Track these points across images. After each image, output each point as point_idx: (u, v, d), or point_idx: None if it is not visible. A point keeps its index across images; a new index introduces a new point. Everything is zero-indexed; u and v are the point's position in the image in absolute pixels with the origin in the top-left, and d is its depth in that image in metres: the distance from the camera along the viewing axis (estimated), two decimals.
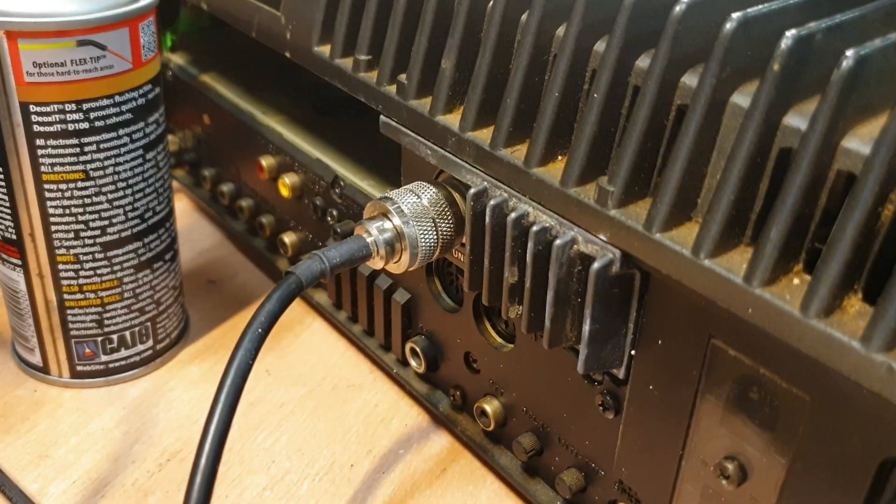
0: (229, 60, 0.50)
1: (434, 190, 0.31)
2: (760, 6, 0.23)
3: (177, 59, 0.52)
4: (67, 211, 0.36)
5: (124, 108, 0.35)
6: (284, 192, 0.43)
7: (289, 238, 0.45)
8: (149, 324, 0.40)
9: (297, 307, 0.46)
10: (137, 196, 0.37)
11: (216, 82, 0.49)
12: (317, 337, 0.44)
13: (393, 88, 0.32)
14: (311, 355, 0.43)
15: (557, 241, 0.26)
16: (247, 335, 0.26)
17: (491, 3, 0.28)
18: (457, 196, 0.31)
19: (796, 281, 0.22)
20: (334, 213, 0.41)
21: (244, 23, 0.40)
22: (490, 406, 0.35)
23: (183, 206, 0.55)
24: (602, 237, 0.25)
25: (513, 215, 0.28)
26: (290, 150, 0.43)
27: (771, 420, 0.24)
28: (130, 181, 0.37)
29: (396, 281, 0.39)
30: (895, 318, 0.19)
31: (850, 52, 0.20)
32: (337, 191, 0.40)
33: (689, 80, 0.24)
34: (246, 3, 0.39)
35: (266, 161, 0.44)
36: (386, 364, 0.40)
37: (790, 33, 0.21)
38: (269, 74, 0.49)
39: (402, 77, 0.32)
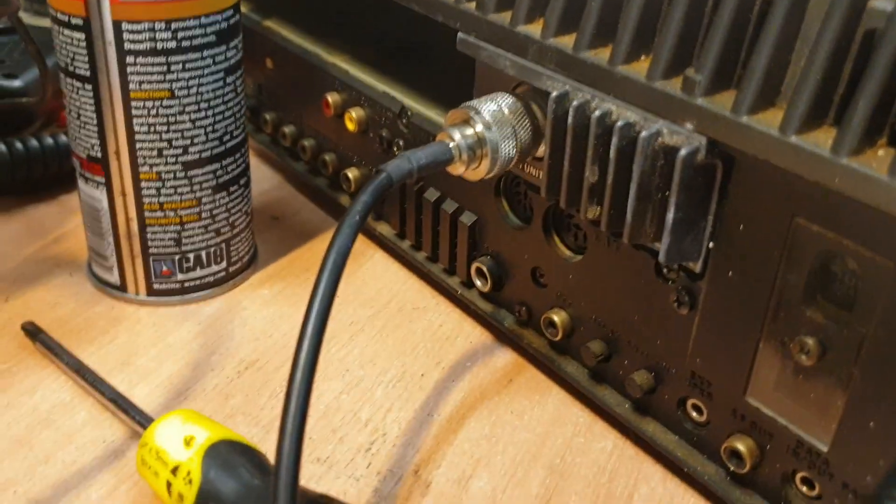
0: (291, 7, 0.52)
1: (513, 99, 0.33)
2: None
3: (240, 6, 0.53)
4: (152, 129, 0.38)
5: (209, 29, 0.37)
6: (351, 126, 0.45)
7: (352, 173, 0.46)
8: (223, 245, 0.42)
9: (359, 240, 0.47)
10: (217, 118, 0.39)
11: (280, 27, 0.50)
12: (379, 266, 0.46)
13: (472, 4, 0.34)
14: (375, 282, 0.44)
15: (643, 134, 0.28)
16: (345, 221, 0.28)
17: None
18: (535, 107, 0.33)
19: (881, 153, 0.23)
20: (401, 143, 0.42)
21: None
22: (558, 317, 0.36)
23: None
24: (688, 126, 0.27)
25: (597, 113, 0.29)
26: (356, 85, 0.44)
27: (852, 293, 0.25)
28: (212, 102, 0.38)
29: (462, 204, 0.40)
30: None
31: None
32: (404, 121, 0.42)
33: None
34: None
35: (332, 98, 0.46)
36: (450, 287, 0.42)
37: None
38: (331, 20, 0.51)
39: None
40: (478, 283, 0.40)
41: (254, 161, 0.55)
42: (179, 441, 0.30)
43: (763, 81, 0.25)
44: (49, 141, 0.49)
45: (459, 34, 0.34)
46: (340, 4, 0.51)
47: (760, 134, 0.25)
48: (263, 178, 0.54)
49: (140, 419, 0.33)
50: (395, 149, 0.43)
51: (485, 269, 0.39)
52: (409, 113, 0.42)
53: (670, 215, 0.28)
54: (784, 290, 0.27)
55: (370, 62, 0.46)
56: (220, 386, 0.37)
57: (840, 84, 0.24)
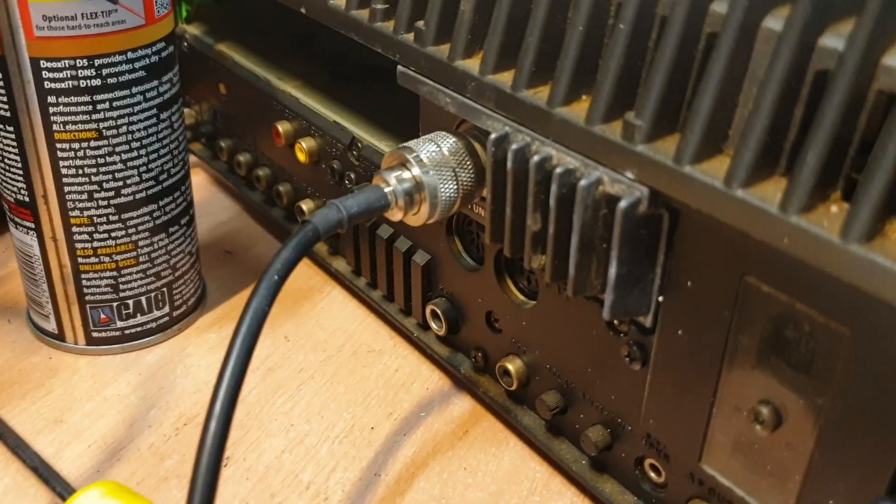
0: (245, 31, 0.50)
1: (454, 139, 0.30)
2: None
3: (192, 29, 0.51)
4: (81, 171, 0.35)
5: (137, 65, 0.35)
6: (301, 157, 0.42)
7: (306, 205, 0.44)
8: (165, 289, 0.40)
9: (315, 276, 0.45)
10: (152, 157, 0.37)
11: (232, 51, 0.48)
12: (336, 305, 0.43)
13: (410, 36, 0.31)
14: (330, 322, 0.42)
15: (582, 182, 0.25)
16: (263, 281, 0.26)
17: None
18: (477, 146, 0.31)
19: (834, 209, 0.21)
20: (352, 176, 0.40)
21: None
22: (513, 365, 0.34)
23: (200, 180, 0.54)
24: (629, 175, 0.24)
25: (535, 158, 0.27)
26: (306, 115, 0.42)
27: (808, 359, 0.23)
28: (144, 141, 0.36)
29: (416, 242, 0.38)
30: None
31: None
32: (354, 153, 0.40)
33: (719, 6, 0.23)
34: None
35: (282, 127, 0.44)
36: (406, 328, 0.39)
37: None
38: (284, 45, 0.49)
39: (420, 23, 0.31)
40: (433, 325, 0.38)
41: (212, 189, 0.53)
42: None
43: (707, 127, 0.23)
44: None
45: (399, 67, 0.32)
46: (295, 25, 0.49)
47: (704, 186, 0.22)
48: (221, 208, 0.51)
49: (60, 490, 0.31)
50: (346, 182, 0.41)
51: (439, 311, 0.37)
52: (359, 145, 0.39)
53: (612, 270, 0.25)
54: (737, 352, 0.25)
55: (322, 89, 0.44)
56: (155, 445, 0.35)
57: (790, 130, 0.22)
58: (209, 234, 0.49)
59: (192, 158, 0.54)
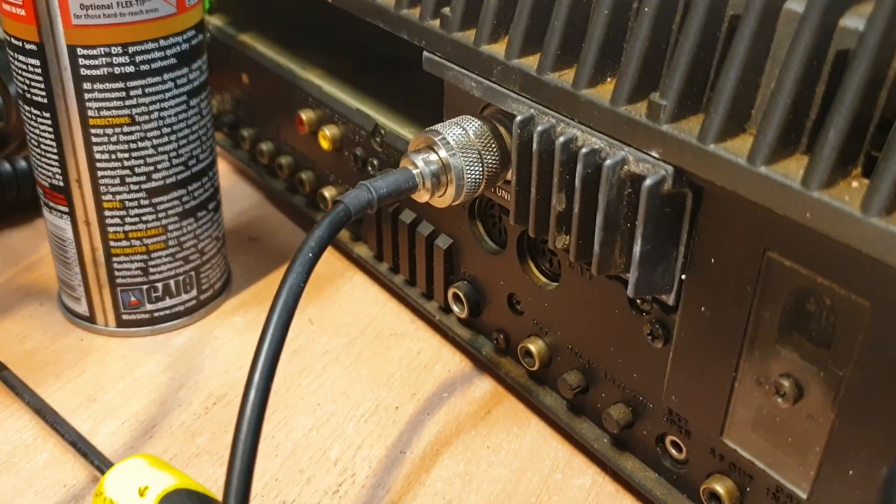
0: (268, 21, 0.51)
1: (479, 122, 0.31)
2: None
3: (215, 20, 0.52)
4: (113, 156, 0.36)
5: (169, 52, 0.36)
6: (325, 144, 0.43)
7: (329, 192, 0.45)
8: (193, 273, 0.40)
9: (337, 261, 0.46)
10: (181, 143, 0.38)
11: (255, 41, 0.49)
12: (358, 290, 0.44)
13: (436, 23, 0.32)
14: (352, 307, 0.43)
15: (608, 162, 0.26)
16: (297, 259, 0.26)
17: None
18: (502, 130, 0.31)
19: (855, 184, 0.22)
20: (375, 162, 0.41)
21: None
22: (535, 346, 0.34)
23: (222, 169, 0.55)
24: (654, 154, 0.25)
25: (561, 139, 0.27)
26: (329, 102, 0.43)
27: (828, 332, 0.24)
28: (175, 127, 0.37)
29: (438, 227, 0.38)
30: None
31: None
32: (377, 139, 0.40)
33: None
34: None
35: (306, 115, 0.44)
36: (428, 312, 0.40)
37: None
38: (307, 34, 0.49)
39: (446, 10, 0.31)
40: (455, 308, 0.38)
41: (233, 178, 0.54)
42: (134, 491, 0.28)
43: (731, 106, 0.23)
44: (22, 164, 0.48)
45: (425, 53, 0.33)
46: (316, 17, 0.50)
47: (728, 164, 0.23)
48: (243, 196, 0.52)
49: (99, 463, 0.32)
50: (369, 168, 0.42)
51: (461, 294, 0.38)
52: (382, 132, 0.40)
53: (637, 248, 0.26)
54: (759, 327, 0.25)
55: (345, 77, 0.45)
56: (186, 423, 0.36)
57: (812, 109, 0.23)
58: (233, 221, 0.50)
59: None
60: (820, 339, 0.24)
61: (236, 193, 0.53)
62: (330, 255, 0.46)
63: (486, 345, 0.38)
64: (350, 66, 0.47)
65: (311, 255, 0.27)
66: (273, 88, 0.47)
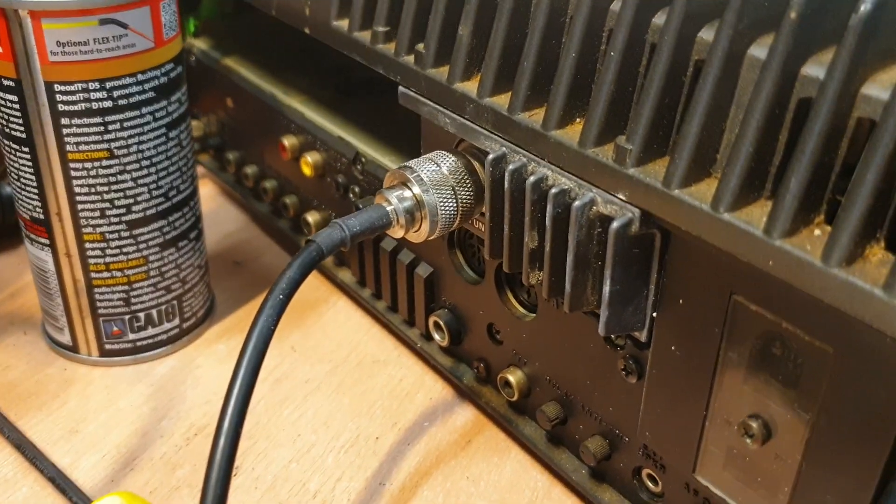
0: (252, 45, 0.51)
1: (453, 158, 0.31)
2: None
3: (200, 44, 0.52)
4: (93, 189, 0.36)
5: (147, 86, 0.36)
6: (307, 170, 0.43)
7: (312, 217, 0.45)
8: (175, 302, 0.41)
9: (321, 286, 0.46)
10: (161, 174, 0.38)
11: (239, 65, 0.49)
12: (342, 315, 0.44)
13: (411, 58, 0.32)
14: (335, 332, 0.43)
15: (576, 203, 0.26)
16: (268, 301, 0.27)
17: None
18: (476, 164, 0.31)
19: (817, 232, 0.22)
20: (356, 189, 0.41)
21: (263, 1, 0.40)
22: (514, 376, 0.35)
23: (208, 191, 0.55)
24: (621, 196, 0.25)
25: (531, 179, 0.28)
26: (311, 129, 0.43)
27: (794, 375, 0.24)
28: (154, 159, 0.37)
29: (419, 255, 0.39)
30: None
31: None
32: (358, 167, 0.41)
33: (707, 34, 0.24)
34: None
35: (288, 141, 0.44)
36: (410, 339, 0.40)
37: None
38: (290, 58, 0.50)
39: (420, 46, 0.32)
40: (436, 336, 0.39)
41: (219, 200, 0.54)
42: None
43: (695, 151, 0.23)
44: (6, 190, 0.48)
45: (400, 88, 0.33)
46: (301, 39, 0.50)
47: (692, 209, 0.23)
48: (228, 218, 0.52)
49: (77, 500, 0.32)
50: (351, 195, 0.42)
51: (442, 323, 0.38)
52: (363, 160, 0.40)
53: (606, 288, 0.26)
54: (727, 368, 0.25)
55: (328, 103, 0.45)
56: (167, 455, 0.36)
57: (775, 156, 0.23)
58: (217, 244, 0.50)
59: (200, 169, 0.55)
60: (787, 382, 0.24)
61: (222, 216, 0.53)
62: (314, 279, 0.47)
63: (468, 373, 0.38)
64: (334, 89, 0.47)
65: (282, 296, 0.27)
66: (256, 113, 0.47)
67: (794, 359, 0.23)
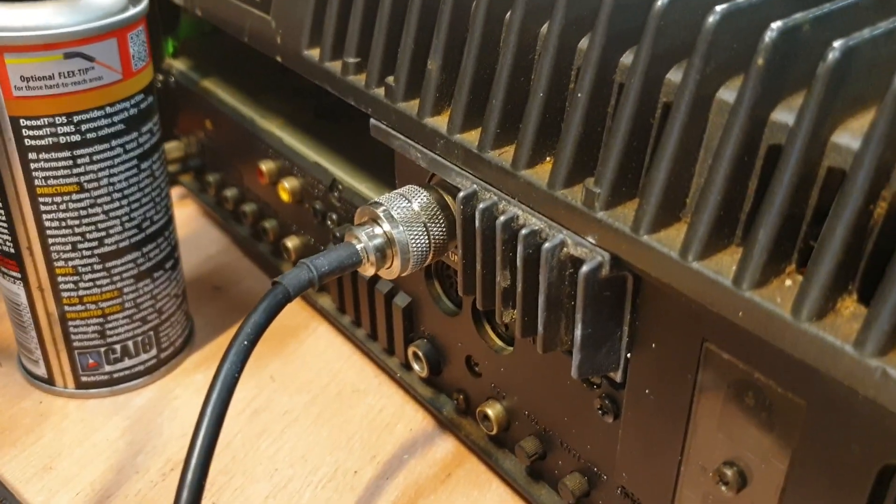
0: (231, 65, 0.50)
1: (426, 194, 0.31)
2: None
3: (179, 64, 0.51)
4: (64, 223, 0.36)
5: (116, 118, 0.35)
6: (284, 196, 0.43)
7: (291, 242, 0.44)
8: (151, 333, 0.40)
9: (302, 312, 0.46)
10: (134, 206, 0.37)
11: (217, 87, 0.48)
12: (322, 342, 0.44)
13: (381, 91, 0.32)
14: (316, 360, 0.42)
15: (546, 245, 0.26)
16: (233, 348, 0.26)
17: (475, 1, 0.28)
18: (449, 199, 0.31)
19: (788, 282, 0.21)
20: (334, 216, 0.41)
21: (236, 28, 0.40)
22: (492, 410, 0.34)
23: (190, 212, 0.54)
24: (590, 240, 0.25)
25: (502, 218, 0.27)
26: (289, 155, 0.42)
27: (768, 426, 0.23)
28: (126, 191, 0.37)
29: (397, 285, 0.38)
30: (888, 320, 0.19)
31: (836, 44, 0.19)
32: (336, 194, 0.40)
33: (675, 76, 0.23)
34: (237, 7, 0.39)
35: (266, 166, 0.44)
36: (390, 368, 0.40)
37: (775, 25, 0.20)
38: (270, 79, 0.49)
39: (390, 79, 0.31)
40: (415, 367, 0.38)
41: (201, 221, 0.54)
42: None
43: (663, 196, 0.23)
44: None
45: (372, 120, 0.33)
46: (280, 64, 0.49)
47: (660, 256, 0.23)
48: (209, 241, 0.52)
49: None
50: (328, 222, 0.41)
51: (420, 353, 0.37)
52: (340, 187, 0.40)
53: (578, 331, 0.26)
54: (701, 414, 0.25)
55: (306, 127, 0.44)
56: (143, 491, 0.35)
57: (745, 202, 0.22)
58: (198, 268, 0.49)
59: (182, 190, 0.55)
60: (761, 431, 0.23)
61: (203, 238, 0.52)
62: (295, 304, 0.46)
63: (448, 404, 0.37)
64: (313, 112, 0.46)
65: (246, 342, 0.26)
66: (235, 136, 0.47)
67: (768, 409, 0.23)
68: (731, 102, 0.22)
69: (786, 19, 0.21)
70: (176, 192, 0.55)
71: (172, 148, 0.53)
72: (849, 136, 0.20)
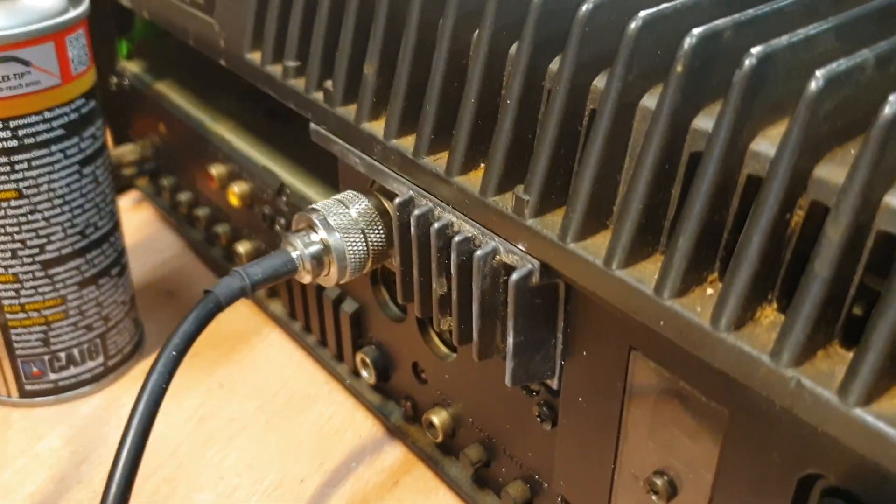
0: (185, 68, 0.50)
1: (364, 199, 0.30)
2: (673, 2, 0.22)
3: (133, 67, 0.51)
4: (3, 230, 0.35)
5: (55, 123, 0.35)
6: (234, 200, 0.42)
7: (243, 247, 0.44)
8: (98, 340, 0.39)
9: (255, 316, 0.45)
10: (76, 212, 0.37)
11: (170, 90, 0.48)
12: (273, 348, 0.43)
13: (320, 95, 0.31)
14: (267, 366, 0.42)
15: (478, 252, 0.25)
16: (160, 359, 0.26)
17: (409, 7, 0.27)
18: (388, 205, 0.30)
19: (710, 291, 0.21)
20: (282, 221, 0.40)
21: (181, 30, 0.39)
22: (438, 417, 0.34)
23: (145, 216, 0.54)
24: (521, 247, 0.24)
25: (436, 225, 0.27)
26: (238, 158, 0.42)
27: (694, 434, 0.23)
28: (67, 197, 0.36)
29: (344, 290, 0.38)
30: (802, 331, 0.19)
31: (753, 50, 0.19)
32: (283, 199, 0.40)
33: (601, 83, 0.23)
34: (182, 10, 0.39)
35: (216, 170, 0.43)
36: (339, 375, 0.39)
37: (695, 31, 0.20)
38: (223, 81, 0.48)
39: (329, 84, 0.31)
40: (363, 373, 0.38)
41: (157, 226, 0.53)
42: None
43: (589, 204, 0.23)
44: None
45: (311, 125, 0.32)
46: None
47: (586, 263, 0.22)
48: (164, 245, 0.51)
49: None
50: (277, 226, 0.41)
51: (368, 360, 0.37)
52: (287, 191, 0.39)
53: (510, 339, 0.25)
54: (631, 422, 0.25)
55: (257, 130, 0.44)
56: (83, 502, 0.35)
57: (669, 209, 0.22)
58: (152, 273, 0.49)
59: (138, 194, 0.54)
60: (688, 440, 0.23)
61: (159, 242, 0.52)
62: (247, 309, 0.46)
63: (396, 411, 0.37)
64: (264, 113, 0.46)
65: (174, 353, 0.26)
66: (187, 140, 0.46)
67: (694, 417, 0.23)
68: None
69: (706, 25, 0.20)
70: (131, 196, 0.55)
71: (127, 151, 0.52)
72: (767, 144, 0.20)
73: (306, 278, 0.30)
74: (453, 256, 0.26)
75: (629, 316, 0.23)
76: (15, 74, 0.33)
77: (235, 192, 0.42)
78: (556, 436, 0.28)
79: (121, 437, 0.25)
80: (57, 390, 0.39)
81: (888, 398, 0.18)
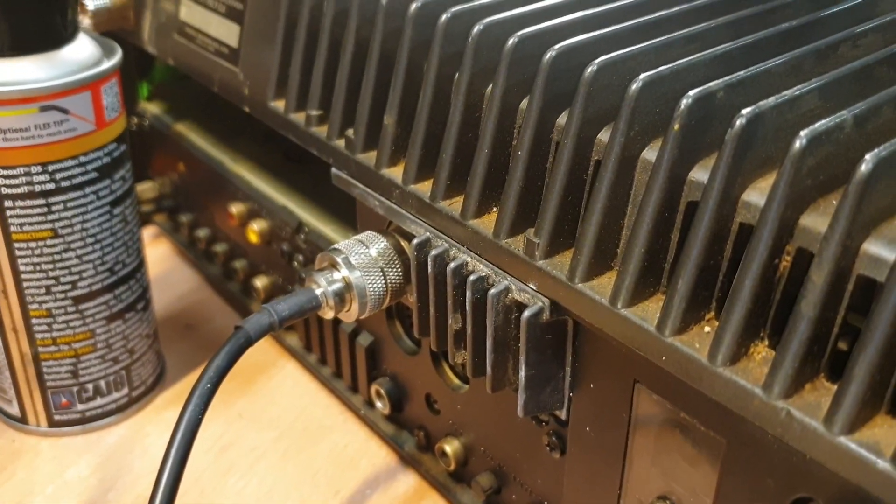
0: (204, 109, 0.52)
1: (383, 240, 0.32)
2: (671, 64, 0.24)
3: (153, 108, 0.53)
4: (38, 267, 0.37)
5: (89, 167, 0.37)
6: (253, 237, 0.44)
7: (260, 282, 0.46)
8: (123, 372, 0.41)
9: (270, 350, 0.47)
10: (106, 250, 0.38)
11: (190, 131, 0.50)
12: (290, 379, 0.45)
13: (342, 143, 0.33)
14: (283, 397, 0.44)
15: (492, 291, 0.27)
16: (196, 391, 0.27)
17: (426, 63, 0.29)
18: (405, 245, 0.32)
19: (707, 329, 0.23)
20: (300, 258, 0.42)
21: (207, 78, 0.41)
22: (450, 447, 0.35)
23: (163, 251, 0.56)
24: (532, 286, 0.26)
25: (452, 265, 0.29)
26: (257, 198, 0.44)
27: (695, 461, 0.25)
28: (98, 236, 0.38)
29: (360, 324, 0.40)
30: (791, 365, 0.20)
31: (744, 111, 0.21)
32: (301, 236, 0.42)
33: (605, 136, 0.25)
34: (208, 59, 0.41)
35: (236, 208, 0.45)
36: (354, 405, 0.41)
37: (691, 93, 0.22)
38: (241, 123, 0.50)
39: (350, 132, 0.33)
40: (378, 404, 0.39)
41: (174, 261, 0.55)
42: None
43: (595, 248, 0.25)
44: None
45: (333, 169, 0.34)
46: None
47: (593, 302, 0.24)
48: (182, 279, 0.53)
49: None
50: (295, 263, 0.43)
51: (383, 391, 0.39)
52: (306, 229, 0.41)
53: (522, 373, 0.27)
54: (636, 450, 0.26)
55: (275, 170, 0.46)
56: None
57: (669, 253, 0.24)
58: (170, 307, 0.50)
59: (156, 229, 0.56)
60: (689, 466, 0.25)
61: (175, 277, 0.53)
62: (263, 342, 0.47)
63: (409, 441, 0.39)
64: (283, 155, 0.48)
65: (209, 385, 0.28)
66: (207, 179, 0.48)
67: (694, 446, 0.25)
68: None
69: (701, 87, 0.23)
70: (149, 231, 0.57)
71: (146, 188, 0.54)
72: (757, 195, 0.22)
73: (329, 314, 0.32)
74: (468, 294, 0.28)
75: (633, 351, 0.24)
76: (55, 122, 0.35)
77: (255, 230, 0.44)
78: (565, 464, 0.30)
79: (160, 466, 0.26)
80: (84, 420, 0.41)
81: (869, 427, 0.20)
